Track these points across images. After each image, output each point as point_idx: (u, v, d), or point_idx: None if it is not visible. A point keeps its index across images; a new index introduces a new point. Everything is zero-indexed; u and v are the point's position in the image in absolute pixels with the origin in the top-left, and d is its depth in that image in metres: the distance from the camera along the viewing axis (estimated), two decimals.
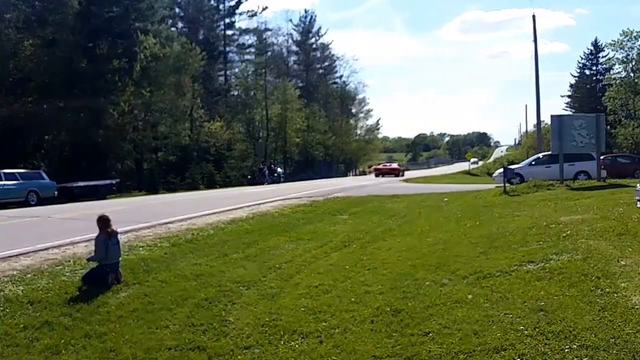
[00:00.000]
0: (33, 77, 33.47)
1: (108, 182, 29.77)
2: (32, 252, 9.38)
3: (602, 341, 4.47)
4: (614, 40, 45.03)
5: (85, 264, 8.10)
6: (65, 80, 33.34)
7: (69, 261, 8.63)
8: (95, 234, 7.79)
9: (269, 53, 67.41)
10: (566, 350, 4.42)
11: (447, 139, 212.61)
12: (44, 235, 11.58)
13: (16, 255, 9.03)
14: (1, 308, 6.30)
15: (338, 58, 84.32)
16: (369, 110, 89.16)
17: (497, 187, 19.58)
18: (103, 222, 7.76)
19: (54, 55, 33.57)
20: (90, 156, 35.50)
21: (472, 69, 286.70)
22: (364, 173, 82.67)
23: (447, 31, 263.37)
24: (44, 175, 25.76)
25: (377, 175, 46.82)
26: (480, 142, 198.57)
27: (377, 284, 7.19)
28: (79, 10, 36.26)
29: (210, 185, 40.77)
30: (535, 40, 32.77)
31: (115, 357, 5.15)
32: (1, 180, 22.76)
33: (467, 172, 58.37)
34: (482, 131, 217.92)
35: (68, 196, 25.50)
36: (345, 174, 75.22)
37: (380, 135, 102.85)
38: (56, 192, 25.33)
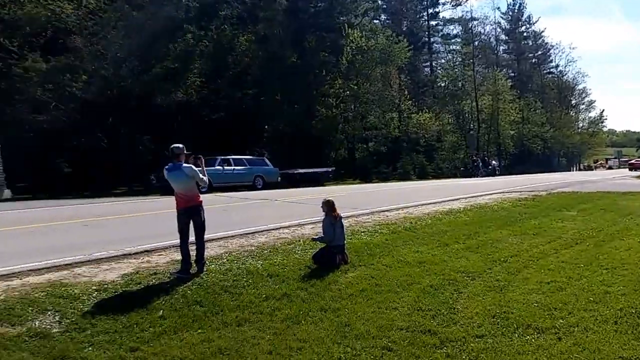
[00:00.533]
0: (250, 72, 36.54)
1: (325, 169, 31.49)
2: (266, 230, 10.45)
3: None
4: None
5: (314, 244, 8.78)
6: (279, 74, 35.87)
7: (299, 241, 9.41)
8: (317, 218, 8.33)
9: (476, 42, 65.24)
10: None
11: None
12: (273, 216, 12.82)
13: (252, 233, 10.12)
14: (244, 279, 7.09)
15: (552, 46, 78.57)
16: (590, 102, 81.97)
17: None
18: (329, 206, 8.32)
19: (266, 50, 36.31)
20: (306, 145, 37.96)
21: None
22: (589, 167, 76.11)
23: None
24: (268, 162, 28.08)
25: (630, 170, 47.35)
26: None
27: (618, 285, 6.77)
28: (286, 7, 38.69)
29: (422, 176, 41.00)
30: None
31: (350, 332, 5.50)
32: (231, 165, 25.29)
33: None
34: None
35: (289, 182, 27.60)
36: (568, 169, 69.88)
37: (605, 129, 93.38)
38: (279, 178, 27.49)
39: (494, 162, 47.21)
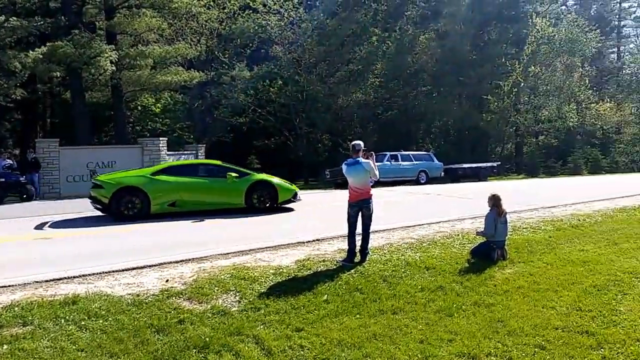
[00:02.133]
0: (426, 69, 36.23)
1: (489, 164, 30.29)
2: (427, 224, 10.45)
3: None
4: None
5: (472, 238, 8.62)
6: (454, 69, 35.10)
7: (458, 235, 9.29)
8: (479, 212, 8.14)
9: None
10: None
11: None
12: (434, 210, 12.77)
13: (413, 226, 10.20)
14: (402, 270, 7.19)
15: None
16: None
17: None
18: (495, 200, 8.08)
19: (444, 47, 35.66)
20: (473, 140, 36.74)
21: None
22: None
23: None
24: (433, 157, 27.78)
25: None
26: None
27: None
28: (470, 1, 37.55)
29: (594, 170, 37.38)
30: None
31: (502, 328, 5.35)
32: (399, 161, 25.50)
33: None
34: None
35: (452, 177, 27.04)
36: None
37: None
38: (442, 173, 27.06)
39: None
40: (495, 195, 8.14)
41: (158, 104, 29.39)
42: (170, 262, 7.42)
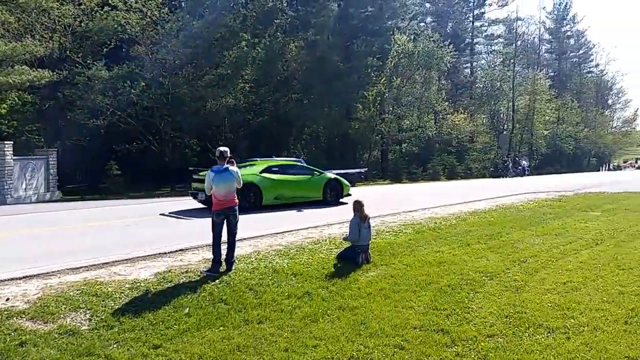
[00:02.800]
0: (296, 76, 36.81)
1: (357, 170, 31.37)
2: (295, 230, 10.53)
3: None
4: None
5: (339, 243, 8.81)
6: (323, 78, 36.02)
7: (325, 240, 9.45)
8: (346, 218, 8.36)
9: (519, 43, 63.88)
10: None
11: None
12: (303, 216, 12.91)
13: (281, 233, 10.22)
14: (269, 277, 7.13)
15: (594, 45, 76.44)
16: (627, 101, 79.55)
17: None
18: (358, 206, 8.32)
19: (314, 55, 36.50)
20: (342, 146, 37.92)
21: None
22: (619, 167, 73.68)
23: None
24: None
25: None
26: None
27: (633, 285, 6.58)
28: (338, 13, 38.82)
29: (451, 176, 40.47)
30: None
31: (365, 330, 5.48)
32: None
33: None
34: None
35: None
36: (597, 169, 67.79)
37: (638, 127, 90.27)
38: None
39: (524, 162, 46.06)
40: (358, 201, 8.39)
41: (4, 105, 26.67)
42: (13, 279, 6.70)
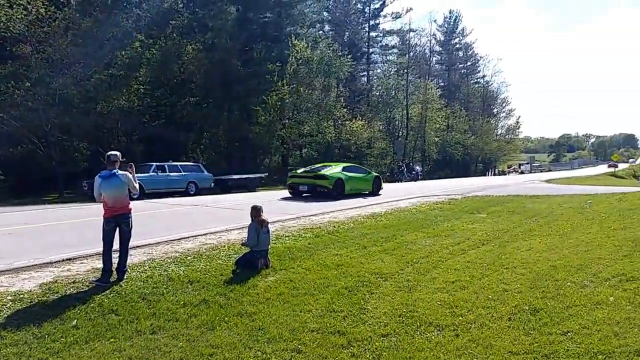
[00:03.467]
0: (194, 79, 36.02)
1: (257, 175, 31.31)
2: (192, 237, 10.25)
3: None
4: None
5: (238, 249, 8.68)
6: (222, 81, 35.57)
7: (224, 246, 9.27)
8: (246, 223, 8.26)
9: (412, 53, 66.90)
10: None
11: (592, 140, 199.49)
12: (202, 222, 12.60)
13: (177, 239, 9.91)
14: (164, 286, 6.89)
15: (481, 58, 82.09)
16: (510, 110, 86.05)
17: None
18: (256, 211, 8.25)
19: (212, 59, 35.92)
20: (243, 151, 37.62)
21: (618, 68, 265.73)
22: (503, 173, 79.25)
23: (593, 30, 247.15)
24: (203, 168, 27.68)
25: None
26: (626, 144, 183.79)
27: (516, 283, 6.97)
28: (236, 17, 38.51)
29: None
30: None
31: (263, 336, 5.44)
32: (166, 171, 24.79)
33: (612, 174, 53.63)
34: (629, 133, 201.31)
35: (222, 188, 27.24)
36: (483, 174, 72.49)
37: (521, 135, 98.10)
38: (212, 184, 27.05)
39: (417, 167, 48.24)
40: (255, 206, 8.33)
41: None
42: None
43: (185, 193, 24.62)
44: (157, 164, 24.69)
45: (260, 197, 20.14)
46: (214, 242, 9.63)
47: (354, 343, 5.28)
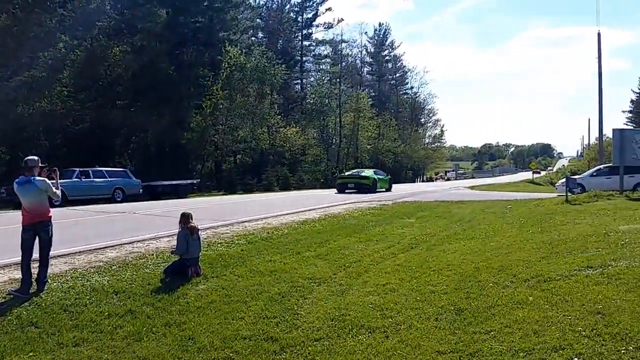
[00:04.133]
0: (121, 82, 34.87)
1: (189, 182, 30.73)
2: (118, 245, 9.88)
3: None
4: None
5: (167, 257, 8.43)
6: (152, 85, 34.60)
7: (152, 254, 9.00)
8: (176, 230, 8.05)
9: (344, 63, 67.85)
10: (622, 351, 4.35)
11: (512, 149, 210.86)
12: (128, 230, 12.18)
13: (102, 248, 9.52)
14: (87, 297, 6.58)
15: (409, 70, 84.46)
16: (437, 120, 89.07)
17: (559, 196, 19.48)
18: (185, 218, 8.05)
19: (141, 61, 34.90)
20: (174, 157, 36.76)
21: (536, 82, 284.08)
22: (431, 179, 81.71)
23: (512, 46, 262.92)
24: (130, 173, 26.78)
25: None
26: (543, 153, 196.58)
27: (442, 285, 7.15)
28: (166, 20, 37.62)
29: (285, 187, 41.43)
30: (599, 57, 31.13)
31: (193, 345, 5.29)
32: (90, 177, 23.80)
33: (531, 181, 56.75)
34: (545, 142, 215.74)
35: (151, 194, 26.45)
36: (413, 180, 74.46)
37: (447, 144, 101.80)
38: (141, 190, 26.22)
39: None
40: (185, 213, 8.14)
41: None
42: None
43: (112, 200, 23.74)
44: (81, 169, 23.67)
45: (193, 203, 19.70)
46: (141, 251, 9.33)
47: (286, 349, 5.23)
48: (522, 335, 4.94)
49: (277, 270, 8.24)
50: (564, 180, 20.84)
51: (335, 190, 28.93)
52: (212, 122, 38.18)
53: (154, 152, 36.66)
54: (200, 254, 8.10)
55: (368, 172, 29.70)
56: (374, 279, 7.76)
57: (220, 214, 15.53)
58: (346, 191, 27.38)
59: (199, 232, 8.23)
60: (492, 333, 5.11)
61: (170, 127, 35.64)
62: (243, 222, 13.42)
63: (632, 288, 5.76)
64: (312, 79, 67.23)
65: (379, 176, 29.34)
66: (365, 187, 27.12)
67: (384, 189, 29.04)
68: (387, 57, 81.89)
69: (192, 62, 38.57)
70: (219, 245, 10.06)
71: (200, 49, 39.44)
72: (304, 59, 65.54)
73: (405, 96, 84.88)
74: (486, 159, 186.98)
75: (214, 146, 40.41)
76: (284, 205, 19.06)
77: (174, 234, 10.05)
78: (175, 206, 18.36)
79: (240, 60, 39.87)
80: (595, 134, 60.60)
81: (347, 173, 32.88)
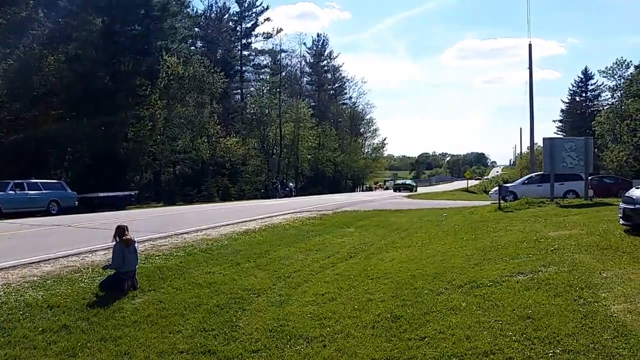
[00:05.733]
0: (56, 92, 33.56)
1: (127, 193, 29.92)
2: (53, 259, 9.51)
3: (583, 346, 4.59)
4: (606, 68, 47.17)
5: (104, 271, 8.17)
6: (88, 95, 33.48)
7: (88, 268, 8.73)
8: (113, 243, 7.86)
9: (284, 73, 67.99)
10: (550, 354, 4.53)
11: (448, 158, 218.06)
12: (63, 243, 11.74)
13: (37, 262, 9.16)
14: (21, 312, 6.36)
15: (348, 80, 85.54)
16: (375, 130, 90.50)
17: (492, 203, 19.97)
18: (120, 231, 7.85)
19: (76, 71, 33.74)
20: (111, 168, 35.53)
21: (470, 93, 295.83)
22: (370, 189, 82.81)
23: (446, 57, 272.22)
24: (65, 185, 25.93)
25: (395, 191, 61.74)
26: (478, 162, 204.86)
27: (379, 293, 7.27)
28: (102, 28, 36.56)
29: (225, 198, 40.98)
30: (530, 68, 32.89)
31: None
32: (25, 190, 22.95)
33: (466, 190, 58.85)
34: (480, 152, 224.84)
35: (88, 206, 25.60)
36: (353, 190, 75.32)
37: (385, 154, 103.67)
38: (76, 202, 25.39)
39: (291, 184, 49.07)
40: (121, 226, 7.94)
41: None
42: None
43: (47, 212, 22.80)
44: (15, 181, 22.76)
45: (131, 216, 19.17)
46: (76, 264, 9.02)
47: None
48: (455, 340, 5.07)
49: (216, 282, 8.17)
50: (497, 188, 21.60)
51: (277, 201, 28.78)
52: (150, 133, 37.29)
53: (91, 163, 35.34)
54: (137, 267, 7.91)
55: (408, 181, 62.31)
56: (313, 289, 7.83)
57: (159, 225, 15.18)
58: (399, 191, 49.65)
59: (136, 245, 8.04)
60: (426, 339, 5.23)
61: (107, 138, 34.51)
62: (182, 233, 13.19)
63: (560, 293, 6.02)
64: (252, 88, 66.95)
65: (413, 183, 59.04)
66: (409, 189, 52.11)
67: (415, 190, 51.84)
68: (326, 67, 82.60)
69: (129, 72, 37.57)
70: (156, 257, 9.85)
71: (137, 58, 38.48)
72: (244, 68, 65.23)
73: (344, 106, 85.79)
74: (423, 168, 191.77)
75: (152, 157, 39.47)
76: (225, 216, 18.87)
77: (111, 247, 9.80)
78: (113, 218, 17.82)
79: (179, 70, 39.29)
80: (527, 143, 63.56)
81: (399, 182, 61.63)
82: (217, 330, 6.06)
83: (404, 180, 66.47)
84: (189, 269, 9.00)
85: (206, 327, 6.13)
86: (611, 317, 5.12)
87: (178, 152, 41.30)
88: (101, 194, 27.63)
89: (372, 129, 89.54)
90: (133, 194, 30.27)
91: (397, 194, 45.57)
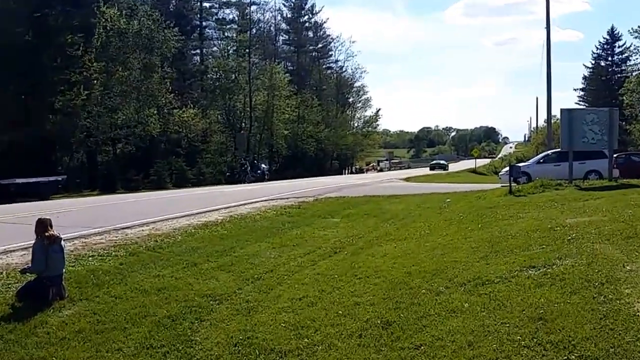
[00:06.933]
0: None
1: (53, 179, 29.75)
2: None
3: (602, 351, 4.62)
4: (638, 27, 47.30)
5: (22, 277, 8.03)
6: (5, 55, 33.00)
7: (2, 273, 8.67)
8: (32, 242, 7.73)
9: (254, 31, 67.52)
10: None
11: (453, 133, 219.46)
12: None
13: None
14: None
15: (333, 39, 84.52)
16: (367, 100, 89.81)
17: (502, 186, 20.22)
18: (42, 226, 7.70)
19: None
20: (33, 147, 35.03)
21: (478, 56, 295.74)
22: (361, 170, 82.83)
23: (450, 14, 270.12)
24: None
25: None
26: (487, 138, 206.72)
27: (368, 295, 7.29)
28: None
29: (181, 183, 40.80)
30: (547, 27, 33.26)
31: None
32: None
33: (473, 170, 59.48)
34: (490, 126, 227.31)
35: (3, 195, 25.31)
36: (340, 172, 75.52)
37: (380, 129, 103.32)
38: None
39: (263, 165, 49.09)
40: (42, 219, 7.82)
41: None
42: None
43: None
44: None
45: (57, 206, 18.96)
46: None
47: None
48: (455, 348, 5.11)
49: (167, 288, 8.14)
50: (507, 169, 21.74)
51: (246, 186, 28.72)
52: (83, 102, 36.83)
53: (6, 141, 34.80)
54: (64, 270, 7.83)
55: (443, 161, 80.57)
56: (288, 293, 7.82)
57: (94, 219, 15.04)
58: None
59: (63, 243, 7.93)
60: (422, 348, 5.26)
61: (27, 109, 34.07)
62: (123, 228, 13.09)
63: (577, 289, 6.05)
64: (214, 48, 66.26)
65: (445, 162, 76.32)
66: (443, 167, 67.70)
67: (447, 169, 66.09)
68: (307, 24, 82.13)
69: (58, 27, 37.09)
70: (90, 258, 9.78)
71: (68, 10, 38.01)
72: (204, 24, 64.77)
73: (329, 71, 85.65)
74: (424, 145, 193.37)
75: (86, 133, 38.99)
76: (179, 205, 18.80)
77: (29, 247, 9.66)
78: (35, 210, 17.57)
79: (120, 24, 38.81)
80: (544, 115, 64.10)
81: (434, 162, 78.44)
82: (168, 346, 6.02)
83: (439, 161, 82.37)
84: (131, 272, 8.95)
85: (153, 344, 6.10)
86: (635, 317, 5.14)
87: (119, 126, 40.90)
88: (19, 180, 27.37)
89: (362, 98, 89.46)
90: (60, 179, 30.18)
91: (394, 176, 45.64)
